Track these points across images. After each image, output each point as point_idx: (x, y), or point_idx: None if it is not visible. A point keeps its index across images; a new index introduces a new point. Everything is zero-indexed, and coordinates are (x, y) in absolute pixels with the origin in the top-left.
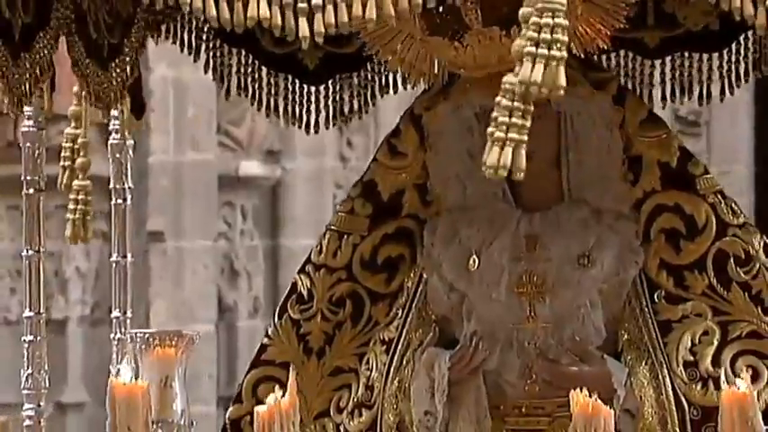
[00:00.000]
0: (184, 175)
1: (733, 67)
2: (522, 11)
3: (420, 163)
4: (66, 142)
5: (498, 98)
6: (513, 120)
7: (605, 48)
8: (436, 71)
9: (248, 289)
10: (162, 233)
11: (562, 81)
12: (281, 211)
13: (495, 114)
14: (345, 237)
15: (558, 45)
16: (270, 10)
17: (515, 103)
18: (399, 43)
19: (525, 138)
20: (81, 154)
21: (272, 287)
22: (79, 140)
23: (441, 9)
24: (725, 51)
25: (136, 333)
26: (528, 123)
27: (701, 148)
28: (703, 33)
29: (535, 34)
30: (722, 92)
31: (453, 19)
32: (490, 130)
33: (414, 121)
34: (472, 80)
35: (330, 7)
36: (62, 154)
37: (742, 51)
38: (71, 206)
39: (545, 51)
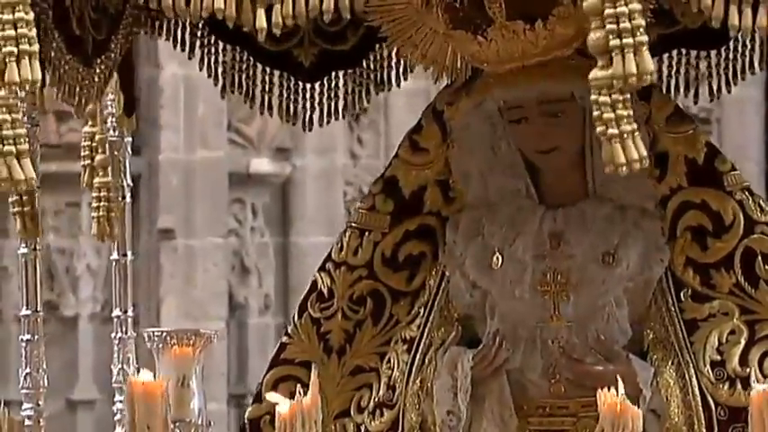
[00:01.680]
0: (195, 173)
1: (731, 64)
2: (589, 3)
3: (442, 159)
4: (85, 141)
5: (593, 97)
6: (619, 112)
7: None
8: (459, 66)
9: (259, 286)
10: (172, 231)
11: (651, 65)
12: (291, 209)
13: (596, 113)
14: (366, 234)
15: (640, 30)
16: (225, 1)
17: (614, 96)
18: (422, 37)
19: (636, 126)
20: (99, 151)
21: (282, 284)
22: (96, 138)
23: (464, 2)
24: (723, 49)
25: (153, 332)
26: (631, 112)
27: None
28: (701, 31)
29: (614, 26)
30: (719, 90)
31: (477, 13)
32: (600, 129)
33: (436, 116)
34: (495, 75)
35: None
36: (81, 153)
37: (740, 49)
38: (94, 204)
39: (630, 40)
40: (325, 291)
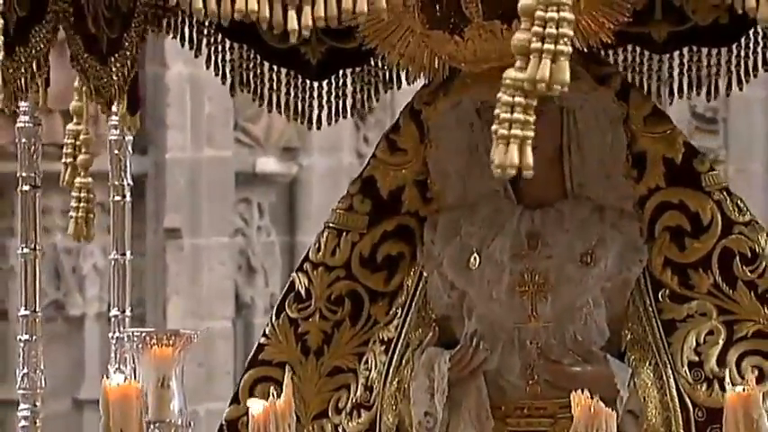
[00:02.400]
0: (201, 172)
1: (742, 62)
2: (523, 3)
3: (420, 159)
4: (68, 139)
5: (499, 94)
6: (516, 116)
7: (611, 42)
8: (436, 65)
9: (265, 285)
10: (179, 230)
11: (566, 77)
12: (297, 208)
13: (497, 111)
14: (344, 234)
15: (565, 39)
16: (258, 2)
17: (517, 99)
18: (399, 37)
19: (530, 134)
20: (83, 151)
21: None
22: (81, 137)
23: (441, 2)
24: (734, 46)
25: (133, 332)
26: (531, 119)
27: (719, 145)
28: (712, 28)
29: (540, 29)
30: (729, 87)
31: (454, 12)
32: (494, 128)
33: (413, 116)
34: (473, 75)
35: (320, 0)
36: (64, 151)
37: (751, 46)
38: (73, 204)
39: (551, 47)
40: (302, 291)
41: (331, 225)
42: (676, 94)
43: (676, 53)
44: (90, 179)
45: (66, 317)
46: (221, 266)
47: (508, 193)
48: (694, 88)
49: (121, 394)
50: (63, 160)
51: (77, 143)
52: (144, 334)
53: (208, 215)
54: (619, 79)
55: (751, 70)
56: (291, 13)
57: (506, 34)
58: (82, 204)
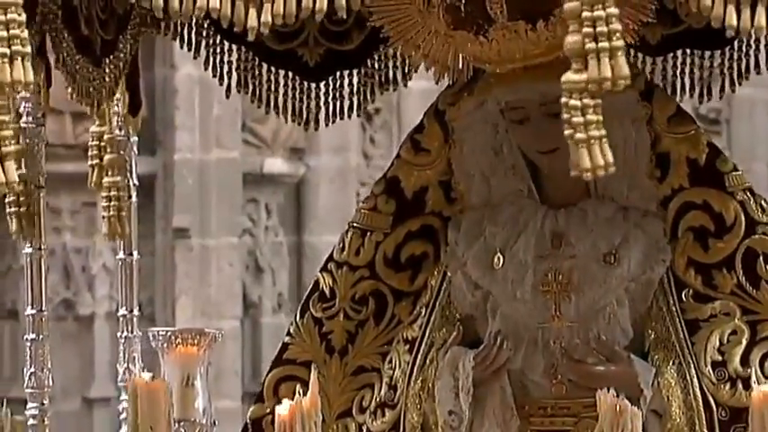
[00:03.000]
0: (210, 173)
1: (735, 64)
2: (568, 6)
3: (444, 159)
4: (93, 140)
5: (564, 99)
6: (588, 117)
7: (634, 43)
8: (460, 66)
9: (272, 285)
10: (187, 230)
11: (627, 70)
12: (305, 208)
13: (566, 116)
14: (368, 234)
15: (617, 35)
16: (220, 0)
17: (584, 101)
18: (423, 38)
19: (605, 132)
20: (108, 151)
21: (296, 283)
22: (105, 137)
23: (465, 3)
24: (727, 49)
25: (158, 332)
26: (601, 117)
27: (722, 146)
28: (705, 30)
29: (591, 29)
30: (722, 89)
31: (478, 13)
32: (568, 132)
33: (438, 116)
34: (497, 75)
35: None
36: (89, 153)
37: (744, 49)
38: (104, 204)
39: (606, 44)
40: (327, 291)
41: (355, 225)
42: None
43: (670, 56)
44: (119, 178)
45: (76, 316)
46: (229, 266)
47: (532, 193)
48: (687, 90)
49: (150, 390)
50: (89, 162)
51: (102, 144)
52: (169, 333)
53: (216, 215)
54: (643, 80)
55: (744, 73)
56: (252, 11)
57: (531, 35)
58: (113, 203)
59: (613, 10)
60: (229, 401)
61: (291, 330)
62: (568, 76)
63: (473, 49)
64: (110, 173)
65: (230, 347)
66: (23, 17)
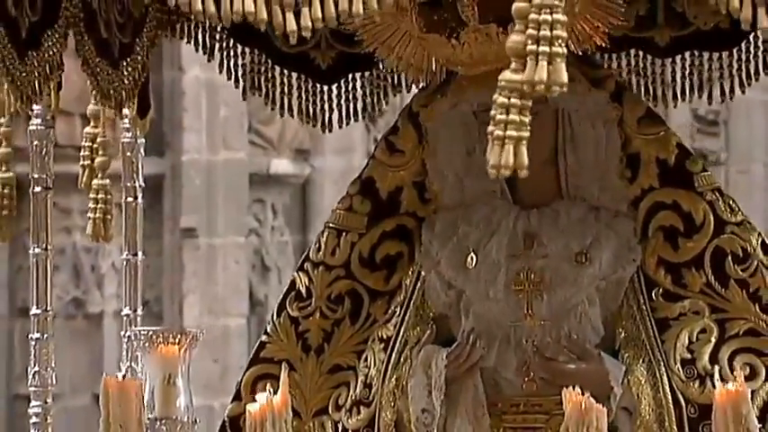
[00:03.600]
0: (217, 174)
1: (743, 66)
2: (516, 6)
3: (418, 160)
4: (86, 142)
5: (495, 96)
6: (511, 117)
7: (605, 45)
8: (433, 68)
9: (278, 283)
10: (195, 230)
11: (564, 78)
12: (310, 208)
13: (492, 113)
14: (344, 234)
15: (559, 41)
16: (255, 5)
17: (512, 100)
18: (397, 41)
19: (525, 134)
20: (100, 153)
21: None
22: (98, 140)
23: (438, 6)
24: (735, 51)
25: (140, 331)
26: (527, 120)
27: (720, 147)
28: (713, 32)
29: (535, 32)
30: (732, 90)
31: (450, 16)
32: (490, 128)
33: (411, 118)
34: (469, 78)
35: (317, 2)
36: (81, 153)
37: (752, 50)
38: (91, 205)
39: (546, 48)
40: (303, 290)
41: (331, 225)
42: (679, 98)
43: (678, 57)
44: (108, 181)
45: (85, 314)
46: (236, 265)
47: (504, 193)
48: (696, 92)
49: (121, 390)
50: (81, 163)
51: (95, 146)
52: (150, 332)
53: (223, 215)
54: (613, 82)
55: (753, 74)
56: (290, 16)
57: (502, 37)
58: (99, 206)
59: (561, 17)
60: None
61: (269, 329)
62: (505, 74)
63: (446, 52)
64: (99, 175)
65: (237, 345)
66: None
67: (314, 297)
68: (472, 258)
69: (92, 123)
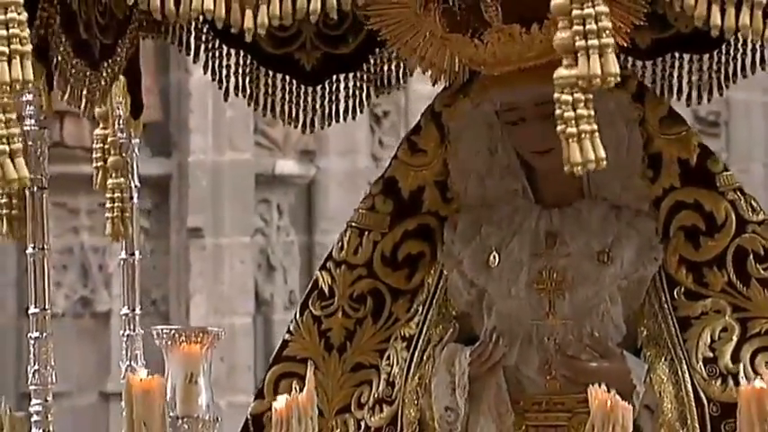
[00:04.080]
0: (223, 174)
1: (723, 68)
2: (555, 3)
3: (440, 160)
4: (97, 143)
5: (557, 95)
6: (580, 112)
7: (626, 46)
8: (456, 69)
9: (284, 283)
10: (201, 230)
11: (616, 68)
12: (315, 208)
13: (558, 111)
14: (366, 234)
15: (606, 32)
16: (215, 2)
17: (576, 96)
18: (420, 41)
19: (596, 127)
20: (112, 153)
21: (306, 281)
22: (109, 140)
23: (461, 6)
24: (715, 53)
25: (162, 329)
26: (593, 113)
27: (720, 147)
28: (694, 35)
29: (580, 27)
30: (710, 92)
31: (473, 16)
32: (560, 128)
33: (434, 118)
34: (492, 77)
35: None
36: (93, 155)
37: (731, 53)
38: (108, 205)
39: (595, 42)
40: (326, 289)
41: (354, 224)
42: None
43: (659, 60)
44: (122, 179)
45: (93, 313)
46: (242, 265)
47: (527, 193)
48: (678, 93)
49: (145, 388)
50: (94, 164)
51: (106, 146)
52: (173, 331)
53: (229, 216)
54: (635, 82)
55: (732, 75)
56: (248, 12)
57: (525, 37)
58: (116, 204)
59: (603, 8)
60: (243, 396)
61: (291, 328)
62: (560, 71)
63: (469, 52)
64: (113, 175)
65: (243, 343)
66: (24, 16)
67: (336, 296)
68: (495, 257)
69: (101, 125)
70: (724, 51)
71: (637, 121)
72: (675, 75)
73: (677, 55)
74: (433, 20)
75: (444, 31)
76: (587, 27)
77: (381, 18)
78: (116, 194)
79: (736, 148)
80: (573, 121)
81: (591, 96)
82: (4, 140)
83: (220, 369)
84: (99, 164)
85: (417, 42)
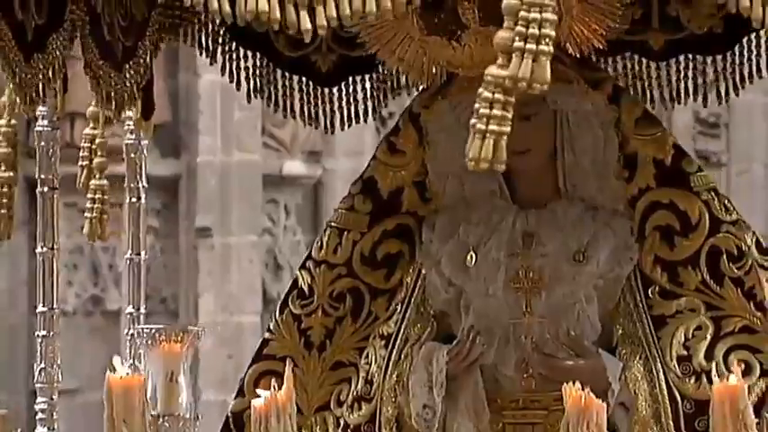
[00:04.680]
0: (231, 175)
1: (737, 69)
2: (506, 3)
3: (419, 161)
4: (84, 143)
5: (480, 90)
6: (494, 112)
7: (603, 48)
8: (434, 70)
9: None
10: (210, 229)
11: (547, 76)
12: (322, 209)
13: (476, 106)
14: (345, 233)
15: (546, 40)
16: (269, 3)
17: (496, 95)
18: (398, 43)
19: (507, 130)
20: (98, 154)
21: None
22: (97, 141)
23: (439, 9)
24: (728, 54)
25: (143, 329)
26: (509, 115)
27: (721, 149)
28: (707, 36)
29: (523, 29)
30: (727, 94)
31: (451, 18)
32: (472, 121)
33: (412, 119)
34: (470, 79)
35: (331, 1)
36: (80, 154)
37: (745, 54)
38: (88, 205)
39: (533, 46)
40: (305, 288)
41: (333, 224)
42: (675, 101)
43: (673, 61)
44: (105, 182)
45: (103, 311)
46: (250, 264)
47: (504, 193)
48: (691, 95)
49: (125, 386)
50: (79, 163)
51: (93, 147)
52: (153, 330)
53: (237, 215)
54: (611, 84)
55: (746, 77)
56: (303, 14)
57: None
58: (96, 206)
59: (550, 16)
60: None
61: (271, 327)
62: (490, 69)
63: (446, 54)
64: (97, 176)
65: (250, 341)
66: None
67: (316, 295)
68: (472, 257)
69: (91, 125)
70: (737, 53)
71: (612, 123)
72: (690, 76)
73: (690, 57)
74: (411, 22)
75: (422, 34)
76: (530, 31)
77: (360, 20)
78: (97, 195)
79: (736, 150)
80: (485, 119)
81: (512, 99)
82: None
83: (228, 367)
84: (84, 163)
85: (396, 44)
